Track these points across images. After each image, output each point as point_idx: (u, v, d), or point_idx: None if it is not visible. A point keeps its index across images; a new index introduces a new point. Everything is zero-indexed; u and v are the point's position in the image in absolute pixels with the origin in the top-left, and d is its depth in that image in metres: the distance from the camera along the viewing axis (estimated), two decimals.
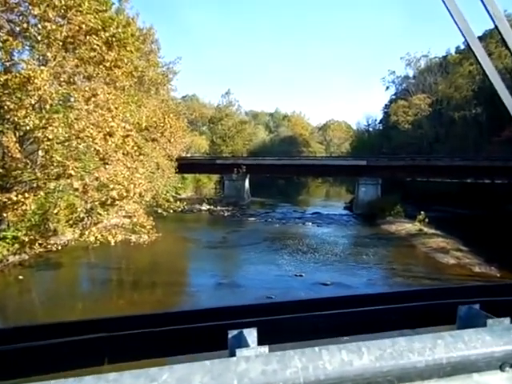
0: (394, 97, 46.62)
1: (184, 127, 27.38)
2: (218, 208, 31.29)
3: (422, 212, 21.94)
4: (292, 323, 1.30)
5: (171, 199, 18.04)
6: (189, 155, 40.68)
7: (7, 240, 13.49)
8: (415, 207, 27.58)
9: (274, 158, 34.46)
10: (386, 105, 48.19)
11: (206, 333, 1.22)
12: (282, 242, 19.79)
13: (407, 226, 22.60)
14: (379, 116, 52.42)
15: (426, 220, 21.41)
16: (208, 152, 47.71)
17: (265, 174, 37.12)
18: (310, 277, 13.96)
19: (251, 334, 1.05)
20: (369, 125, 57.06)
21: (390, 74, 47.01)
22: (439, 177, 27.94)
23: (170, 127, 20.35)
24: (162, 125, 19.66)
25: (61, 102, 12.84)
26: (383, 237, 21.16)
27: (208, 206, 31.80)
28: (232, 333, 1.06)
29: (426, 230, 20.91)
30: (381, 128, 50.04)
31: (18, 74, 11.20)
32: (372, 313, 1.38)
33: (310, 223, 25.38)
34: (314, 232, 22.93)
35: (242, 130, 53.54)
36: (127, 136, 13.05)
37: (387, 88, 47.55)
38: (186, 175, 38.29)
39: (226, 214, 28.77)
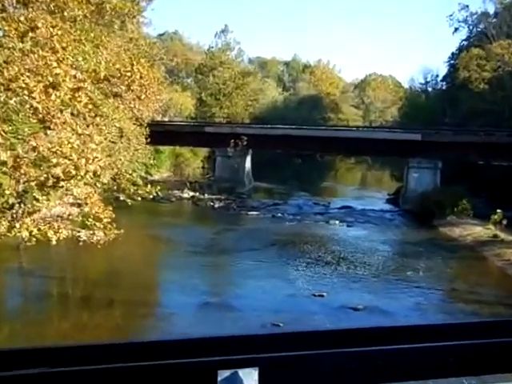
0: (464, 43, 46.16)
1: (160, 78, 27.25)
2: (206, 196, 31.39)
3: (499, 211, 21.89)
4: (306, 362, 1.31)
5: (139, 181, 18.04)
6: (166, 119, 40.73)
7: None
8: (489, 204, 27.45)
9: (289, 127, 34.38)
10: (452, 54, 47.70)
11: (186, 373, 1.22)
12: (296, 247, 19.86)
13: (476, 230, 22.60)
14: (442, 71, 51.98)
15: (504, 222, 21.39)
16: (194, 116, 47.67)
17: (274, 149, 37.03)
18: (335, 298, 14.06)
19: (250, 377, 1.05)
20: (427, 83, 56.59)
21: (460, 9, 46.37)
22: None
23: (141, 78, 20.26)
24: (128, 74, 19.56)
25: None
26: (441, 244, 21.17)
27: (192, 193, 31.92)
28: (223, 374, 1.06)
29: (503, 235, 20.90)
30: (444, 88, 49.71)
31: None
32: (420, 352, 1.38)
33: (337, 222, 25.45)
34: (343, 235, 23.01)
35: (243, 86, 53.31)
36: (78, 89, 13.01)
37: (456, 30, 46.94)
38: (161, 148, 38.29)
39: (217, 206, 28.89)
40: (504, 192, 30.68)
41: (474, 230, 22.70)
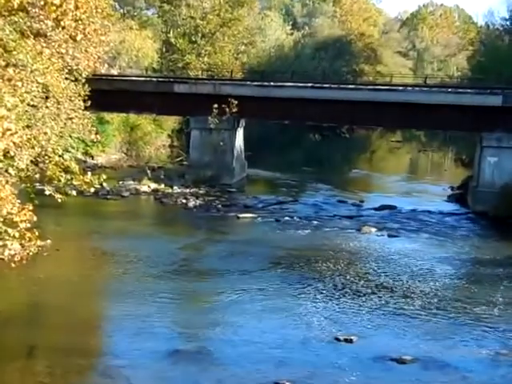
0: None
1: (106, 9, 27.07)
2: (176, 190, 31.44)
3: None
4: None
5: (74, 167, 18.00)
6: (115, 72, 40.60)
7: None
8: None
9: (302, 85, 34.35)
10: None
11: None
12: (312, 268, 19.96)
13: None
14: None
15: None
16: (158, 67, 47.58)
17: (280, 119, 37.08)
18: (369, 344, 14.15)
19: None
20: (511, 18, 56.60)
21: None
22: None
23: (76, 8, 20.15)
24: (56, 1, 19.47)
25: None
26: None
27: (154, 185, 31.99)
28: None
29: None
30: None
31: None
32: None
33: (374, 229, 25.58)
34: (382, 249, 23.13)
35: (232, 22, 53.13)
36: None
37: None
38: (108, 116, 38.33)
39: (191, 204, 28.93)
40: None
41: None
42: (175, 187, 31.84)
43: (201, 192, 30.98)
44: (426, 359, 13.42)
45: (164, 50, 49.69)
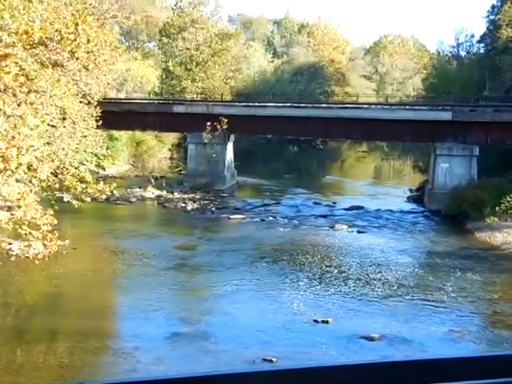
0: None
1: (114, 43, 27.15)
2: (176, 195, 31.39)
3: None
4: None
5: (89, 177, 17.97)
6: (122, 96, 40.58)
7: None
8: None
9: (282, 105, 34.43)
10: (492, 8, 48.01)
11: None
12: (293, 261, 19.96)
13: None
14: (479, 30, 52.41)
15: None
16: (159, 91, 47.58)
17: (263, 133, 37.09)
18: (343, 324, 14.17)
19: None
20: (459, 45, 56.94)
21: None
22: None
23: (88, 42, 20.15)
24: (71, 37, 19.43)
25: None
26: (479, 255, 21.38)
27: (157, 192, 31.91)
28: None
29: None
30: (482, 52, 50.09)
31: None
32: None
33: (345, 227, 25.60)
34: (352, 243, 23.15)
35: (222, 52, 53.29)
36: (5, 56, 12.90)
37: None
38: (116, 133, 38.26)
39: (189, 208, 28.89)
40: None
41: None
42: (175, 193, 31.79)
43: (197, 197, 30.95)
44: (391, 336, 13.48)
45: (164, 76, 49.68)
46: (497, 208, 25.26)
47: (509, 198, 25.47)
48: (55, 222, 13.66)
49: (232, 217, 27.06)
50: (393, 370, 1.52)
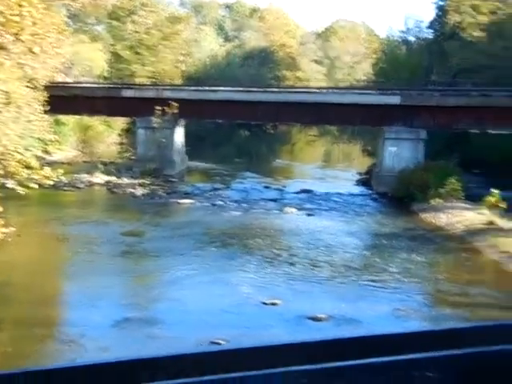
0: None
1: (61, 25, 26.58)
2: (126, 181, 31.05)
3: (496, 191, 22.68)
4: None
5: (34, 163, 17.68)
6: (70, 80, 39.81)
7: None
8: (484, 182, 28.37)
9: (233, 90, 34.33)
10: None
11: None
12: (242, 244, 20.02)
13: (468, 216, 23.39)
14: (428, 16, 53.08)
15: (503, 205, 22.19)
16: (107, 75, 46.84)
17: (214, 118, 36.97)
18: (291, 306, 14.25)
19: None
20: (408, 31, 57.58)
21: None
22: None
23: (33, 24, 19.74)
24: (15, 19, 19.00)
25: None
26: (423, 235, 21.82)
27: (106, 177, 31.52)
28: None
29: (500, 222, 21.70)
30: (430, 37, 50.74)
31: None
32: (393, 367, 1.44)
33: (294, 210, 25.74)
34: (301, 226, 23.29)
35: (172, 35, 52.79)
36: None
37: None
38: (63, 118, 37.60)
39: (139, 193, 28.63)
40: (503, 167, 31.81)
41: (465, 216, 23.46)
42: (124, 179, 31.43)
43: (147, 182, 30.67)
44: (338, 317, 13.64)
45: (113, 60, 48.87)
46: (441, 190, 25.81)
47: (453, 180, 26.06)
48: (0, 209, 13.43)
49: (181, 201, 26.95)
50: (337, 347, 1.55)
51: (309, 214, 25.28)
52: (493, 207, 22.51)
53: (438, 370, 1.47)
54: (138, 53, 50.86)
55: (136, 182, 30.83)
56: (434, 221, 23.94)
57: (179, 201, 27.04)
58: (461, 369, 1.50)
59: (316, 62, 78.82)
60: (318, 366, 1.41)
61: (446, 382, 1.49)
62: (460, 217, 23.57)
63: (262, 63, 65.08)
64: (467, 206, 24.87)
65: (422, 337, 1.67)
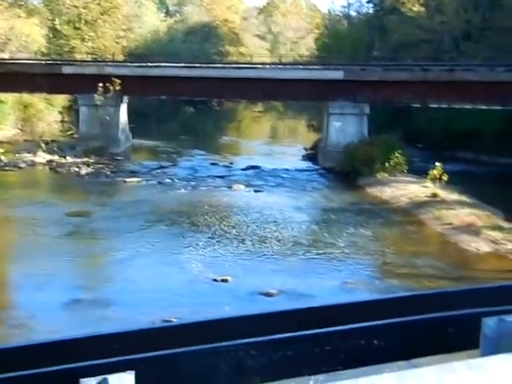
0: None
1: None
2: (69, 160, 30.51)
3: (438, 164, 23.24)
4: (195, 359, 1.34)
5: None
6: (6, 56, 38.69)
7: None
8: (427, 156, 29.06)
9: (175, 65, 34.00)
10: None
11: None
12: (191, 222, 19.95)
13: (412, 189, 23.91)
14: None
15: (445, 178, 22.78)
16: (46, 51, 45.64)
17: (158, 94, 36.57)
18: (242, 282, 14.36)
19: (124, 383, 1.06)
20: (349, 5, 58.06)
21: None
22: (469, 101, 29.62)
23: None
24: None
25: None
26: (369, 209, 22.23)
27: (48, 156, 30.92)
28: (87, 383, 1.07)
29: (443, 194, 22.29)
30: (371, 12, 51.24)
31: None
32: (341, 336, 1.46)
33: (242, 186, 25.81)
34: (249, 202, 23.39)
35: (112, 10, 51.79)
36: None
37: None
38: (1, 96, 36.64)
39: (83, 172, 28.20)
40: (444, 142, 32.63)
41: (409, 189, 23.96)
42: (68, 157, 30.88)
43: (91, 161, 30.20)
44: (289, 291, 13.76)
45: (51, 35, 47.67)
46: (386, 164, 26.27)
47: (397, 154, 26.54)
48: None
49: (128, 180, 26.64)
50: (282, 319, 1.56)
51: (257, 191, 25.36)
52: (436, 180, 23.09)
53: (382, 339, 1.50)
54: (77, 28, 49.78)
55: (80, 160, 30.32)
56: (379, 194, 24.36)
57: (126, 179, 26.72)
58: (404, 336, 1.54)
59: (259, 37, 78.64)
60: (264, 337, 1.43)
61: (391, 349, 1.53)
62: (404, 190, 24.05)
63: (204, 39, 64.55)
64: (411, 179, 25.41)
65: (365, 306, 1.71)
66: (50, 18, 49.07)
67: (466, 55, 36.09)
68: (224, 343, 1.41)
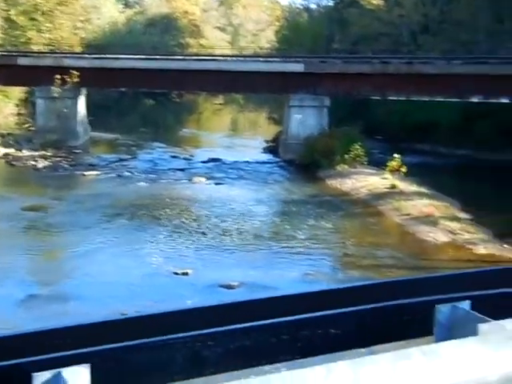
0: None
1: None
2: (26, 153, 30.08)
3: (397, 156, 23.58)
4: (157, 351, 1.34)
5: None
6: None
7: None
8: (386, 148, 29.43)
9: (135, 57, 33.75)
10: None
11: None
12: (151, 215, 19.88)
13: (371, 181, 24.22)
14: None
15: (403, 169, 23.13)
16: (1, 42, 44.75)
17: (116, 86, 36.29)
18: (202, 275, 14.36)
19: (79, 377, 1.06)
20: None
21: None
22: (427, 94, 30.06)
23: None
24: None
25: None
26: (329, 201, 22.42)
27: (4, 150, 30.45)
28: (41, 377, 1.06)
29: (401, 186, 22.64)
30: (331, 5, 51.54)
31: None
32: (298, 325, 1.47)
33: (203, 179, 25.80)
34: (210, 195, 23.36)
35: (69, 1, 50.96)
36: None
37: None
38: None
39: (41, 165, 27.82)
40: (403, 134, 33.11)
41: (369, 181, 24.27)
42: (24, 151, 30.42)
43: (48, 154, 29.80)
44: (250, 283, 13.81)
45: (6, 26, 46.73)
46: (346, 156, 26.55)
47: (357, 147, 26.83)
48: None
49: (87, 173, 26.36)
50: (242, 309, 1.57)
51: (218, 183, 25.38)
52: (395, 172, 23.43)
53: (339, 327, 1.53)
54: (33, 18, 48.83)
55: (37, 154, 29.89)
56: (339, 186, 24.61)
57: (84, 173, 26.44)
58: (360, 324, 1.57)
59: (219, 29, 78.47)
60: (221, 328, 1.44)
61: (348, 337, 1.56)
62: (364, 182, 24.35)
63: (164, 30, 64.09)
64: (371, 171, 25.73)
65: (321, 296, 1.73)
66: (5, 8, 48.08)
67: (424, 48, 36.65)
68: (181, 334, 1.41)
